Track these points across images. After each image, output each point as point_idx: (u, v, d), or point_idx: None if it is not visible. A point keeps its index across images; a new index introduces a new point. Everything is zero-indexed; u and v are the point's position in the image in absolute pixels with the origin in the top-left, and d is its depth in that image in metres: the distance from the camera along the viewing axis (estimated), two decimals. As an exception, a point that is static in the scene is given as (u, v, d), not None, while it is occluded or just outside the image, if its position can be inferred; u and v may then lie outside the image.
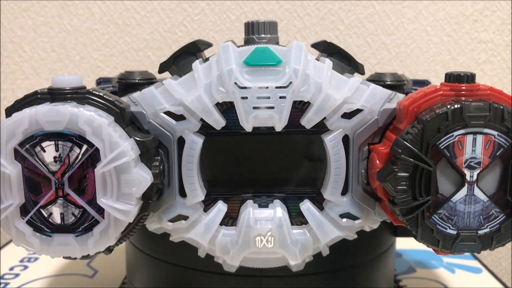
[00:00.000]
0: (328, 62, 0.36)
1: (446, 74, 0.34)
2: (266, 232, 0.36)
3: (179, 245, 0.38)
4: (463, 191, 0.32)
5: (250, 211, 0.36)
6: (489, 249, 0.33)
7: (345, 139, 0.36)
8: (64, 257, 0.34)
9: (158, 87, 0.36)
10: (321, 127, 0.36)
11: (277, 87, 0.34)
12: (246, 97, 0.34)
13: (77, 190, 0.32)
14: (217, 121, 0.35)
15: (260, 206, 0.37)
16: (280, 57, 0.34)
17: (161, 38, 0.72)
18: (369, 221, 0.37)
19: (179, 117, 0.35)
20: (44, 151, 0.32)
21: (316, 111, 0.35)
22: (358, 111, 0.35)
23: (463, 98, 0.32)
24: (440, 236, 0.33)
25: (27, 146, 0.32)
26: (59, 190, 0.32)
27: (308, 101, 0.35)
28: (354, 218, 0.37)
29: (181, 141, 0.36)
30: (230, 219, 0.37)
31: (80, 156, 0.32)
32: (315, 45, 0.39)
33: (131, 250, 0.45)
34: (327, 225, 0.36)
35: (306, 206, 0.37)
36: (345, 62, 0.38)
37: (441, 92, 0.33)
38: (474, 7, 0.71)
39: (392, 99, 0.36)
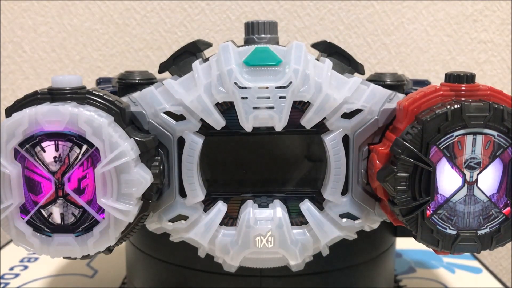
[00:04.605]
0: (328, 62, 0.36)
1: (446, 74, 0.34)
2: (266, 232, 0.36)
3: (179, 245, 0.38)
4: (463, 191, 0.32)
5: (250, 211, 0.36)
6: (489, 249, 0.33)
7: (345, 139, 0.36)
8: (64, 257, 0.34)
9: (158, 87, 0.36)
10: (321, 127, 0.36)
11: (277, 87, 0.34)
12: (246, 97, 0.34)
13: (77, 190, 0.32)
14: (217, 121, 0.35)
15: (260, 206, 0.37)
16: (280, 57, 0.34)
17: (161, 38, 0.72)
18: (369, 221, 0.37)
19: (179, 117, 0.35)
20: (44, 151, 0.32)
21: (316, 111, 0.35)
22: (358, 111, 0.35)
23: (463, 98, 0.32)
24: (439, 236, 0.33)
25: (27, 146, 0.32)
26: (59, 190, 0.32)
27: (308, 101, 0.35)
28: (354, 218, 0.37)
29: (181, 141, 0.36)
30: (230, 219, 0.37)
31: (80, 156, 0.32)
32: (315, 45, 0.39)
33: (131, 250, 0.45)
34: (327, 225, 0.36)
35: (306, 206, 0.37)
36: (345, 62, 0.38)
37: (441, 92, 0.33)
38: (474, 7, 0.72)
39: (392, 99, 0.36)
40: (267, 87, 0.34)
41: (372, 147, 0.35)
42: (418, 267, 0.57)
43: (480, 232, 0.33)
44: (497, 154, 0.32)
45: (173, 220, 0.37)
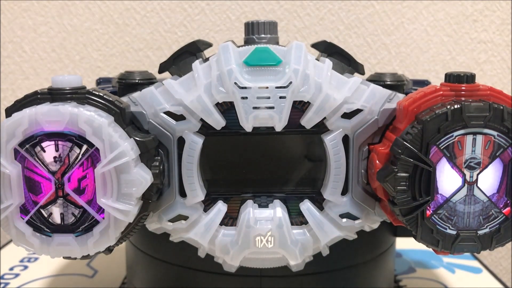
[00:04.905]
0: (328, 62, 0.36)
1: (446, 74, 0.34)
2: (266, 232, 0.36)
3: (179, 245, 0.38)
4: (463, 191, 0.32)
5: (250, 211, 0.36)
6: (489, 249, 0.33)
7: (345, 139, 0.36)
8: (64, 257, 0.34)
9: (158, 87, 0.36)
10: (321, 127, 0.36)
11: (277, 87, 0.34)
12: (246, 97, 0.34)
13: (77, 190, 0.32)
14: (217, 121, 0.35)
15: (260, 206, 0.37)
16: (280, 57, 0.34)
17: (161, 38, 0.72)
18: (369, 221, 0.37)
19: (179, 117, 0.35)
20: (44, 151, 0.32)
21: (316, 111, 0.35)
22: (358, 111, 0.35)
23: (463, 99, 0.32)
24: (439, 236, 0.33)
25: (27, 146, 0.32)
26: (59, 190, 0.32)
27: (308, 101, 0.35)
28: (354, 218, 0.37)
29: (181, 141, 0.36)
30: (230, 219, 0.37)
31: (80, 156, 0.32)
32: (315, 45, 0.39)
33: (131, 250, 0.45)
34: (327, 225, 0.36)
35: (306, 206, 0.37)
36: (345, 62, 0.38)
37: (441, 92, 0.33)
38: (474, 7, 0.72)
39: (392, 99, 0.36)
40: (267, 87, 0.34)
41: (372, 147, 0.35)
42: (418, 267, 0.57)
43: (480, 232, 0.33)
44: (497, 154, 0.32)
45: (173, 220, 0.37)
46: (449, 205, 0.33)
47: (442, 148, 0.32)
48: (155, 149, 0.35)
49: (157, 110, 0.35)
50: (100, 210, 0.32)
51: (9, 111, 0.33)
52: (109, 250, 0.34)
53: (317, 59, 0.36)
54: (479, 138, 0.32)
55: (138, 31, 0.72)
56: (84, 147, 0.32)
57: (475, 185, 0.32)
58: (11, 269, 0.56)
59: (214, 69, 0.34)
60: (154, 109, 0.35)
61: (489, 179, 0.33)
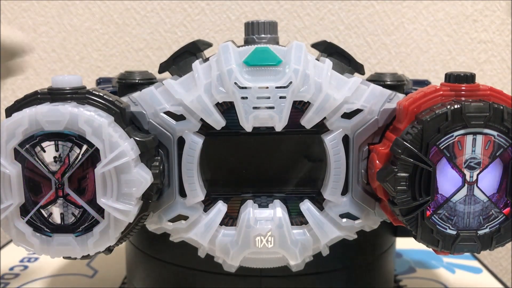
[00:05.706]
0: (328, 62, 0.36)
1: (446, 74, 0.34)
2: (266, 232, 0.36)
3: (179, 245, 0.38)
4: (463, 191, 0.32)
5: (250, 211, 0.36)
6: (489, 249, 0.33)
7: (345, 139, 0.36)
8: (64, 257, 0.34)
9: (158, 87, 0.36)
10: (321, 127, 0.36)
11: (277, 87, 0.34)
12: (246, 97, 0.34)
13: (77, 190, 0.32)
14: (217, 121, 0.35)
15: (260, 206, 0.37)
16: (280, 57, 0.34)
17: (161, 38, 0.72)
18: (369, 221, 0.37)
19: (179, 117, 0.35)
20: (44, 151, 0.32)
21: (316, 111, 0.35)
22: (358, 111, 0.35)
23: (463, 98, 0.32)
24: (439, 236, 0.33)
25: (27, 146, 0.32)
26: (59, 190, 0.32)
27: (308, 101, 0.35)
28: (354, 218, 0.37)
29: (181, 141, 0.36)
30: (230, 219, 0.37)
31: (80, 156, 0.32)
32: (315, 45, 0.39)
33: (131, 250, 0.45)
34: (327, 225, 0.36)
35: (306, 206, 0.37)
36: (345, 62, 0.38)
37: (441, 92, 0.33)
38: (474, 7, 0.72)
39: (392, 99, 0.36)
40: (267, 87, 0.34)
41: (372, 147, 0.35)
42: (418, 267, 0.57)
43: (480, 232, 0.33)
44: (497, 154, 0.32)
45: (173, 220, 0.37)
46: (449, 205, 0.33)
47: (442, 148, 0.32)
48: (155, 149, 0.35)
49: (157, 110, 0.35)
50: (100, 210, 0.32)
51: (9, 111, 0.33)
52: (109, 250, 0.34)
53: (317, 59, 0.36)
54: (479, 138, 0.32)
55: (138, 31, 0.72)
56: (84, 147, 0.32)
57: (475, 185, 0.32)
58: (11, 269, 0.56)
59: (214, 69, 0.34)
60: (154, 109, 0.35)
61: (489, 179, 0.33)
